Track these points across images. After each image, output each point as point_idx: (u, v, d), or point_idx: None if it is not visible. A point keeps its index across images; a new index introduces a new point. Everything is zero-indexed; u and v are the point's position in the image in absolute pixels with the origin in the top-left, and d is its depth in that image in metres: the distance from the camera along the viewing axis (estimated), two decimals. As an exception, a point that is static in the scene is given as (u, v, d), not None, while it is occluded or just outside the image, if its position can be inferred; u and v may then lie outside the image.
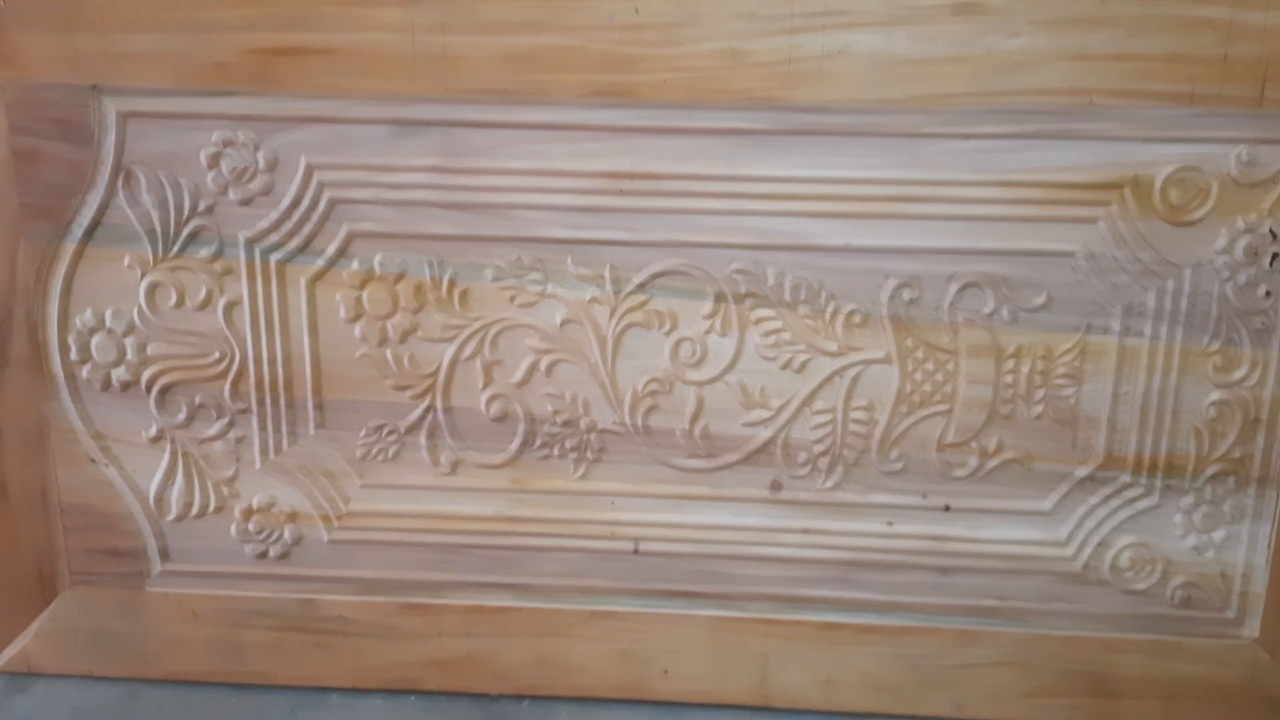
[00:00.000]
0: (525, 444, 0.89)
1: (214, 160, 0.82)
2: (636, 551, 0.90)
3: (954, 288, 0.83)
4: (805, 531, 0.89)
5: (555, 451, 0.89)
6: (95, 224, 0.84)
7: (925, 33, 0.76)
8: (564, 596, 0.92)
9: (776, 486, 0.89)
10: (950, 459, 0.87)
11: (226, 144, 0.82)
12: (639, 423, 0.88)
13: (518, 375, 0.87)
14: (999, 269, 0.82)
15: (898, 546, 0.89)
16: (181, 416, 0.88)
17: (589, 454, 0.89)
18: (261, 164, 0.82)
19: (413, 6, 0.77)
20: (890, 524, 0.89)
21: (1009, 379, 0.85)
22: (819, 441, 0.88)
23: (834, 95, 0.78)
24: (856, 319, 0.84)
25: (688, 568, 0.91)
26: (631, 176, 0.81)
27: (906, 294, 0.83)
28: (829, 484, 0.88)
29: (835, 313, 0.84)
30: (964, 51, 0.76)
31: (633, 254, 0.83)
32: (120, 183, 0.82)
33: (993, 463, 0.87)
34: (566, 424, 0.88)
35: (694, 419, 0.87)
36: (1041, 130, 0.79)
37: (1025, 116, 0.78)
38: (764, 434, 0.87)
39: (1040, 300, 0.83)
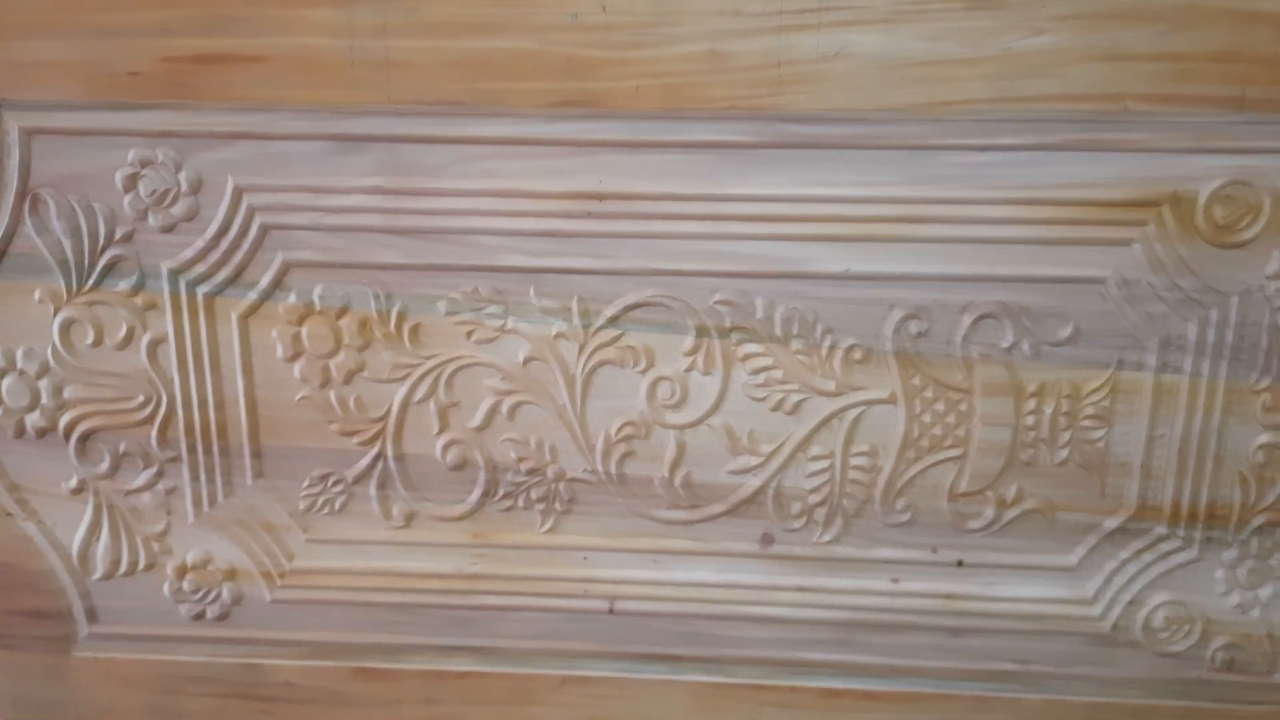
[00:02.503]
0: (486, 494, 0.85)
1: (131, 182, 0.77)
2: (612, 611, 0.87)
3: (968, 319, 0.78)
4: (800, 589, 0.86)
5: (520, 502, 0.85)
6: (0, 255, 0.79)
7: (934, 31, 0.71)
8: (533, 660, 0.89)
9: (768, 540, 0.85)
10: (964, 509, 0.83)
11: (144, 164, 0.77)
12: (613, 471, 0.84)
13: (477, 419, 0.83)
14: (1019, 298, 0.78)
15: (904, 605, 0.86)
16: (104, 466, 0.85)
17: (557, 505, 0.85)
18: (184, 186, 0.77)
19: (350, 7, 0.72)
20: (896, 581, 0.85)
21: (1030, 421, 0.80)
22: (815, 491, 0.84)
23: (830, 103, 0.73)
24: (857, 355, 0.80)
25: (669, 629, 0.88)
26: (601, 197, 0.76)
27: (914, 326, 0.79)
28: (826, 537, 0.85)
29: (833, 348, 0.80)
30: (978, 52, 0.71)
31: (603, 284, 0.79)
32: (26, 208, 0.78)
33: (1011, 513, 0.83)
34: (532, 472, 0.84)
35: (674, 466, 0.83)
36: (1068, 141, 0.73)
37: (1049, 125, 0.73)
38: (753, 482, 0.83)
39: (1066, 332, 0.78)
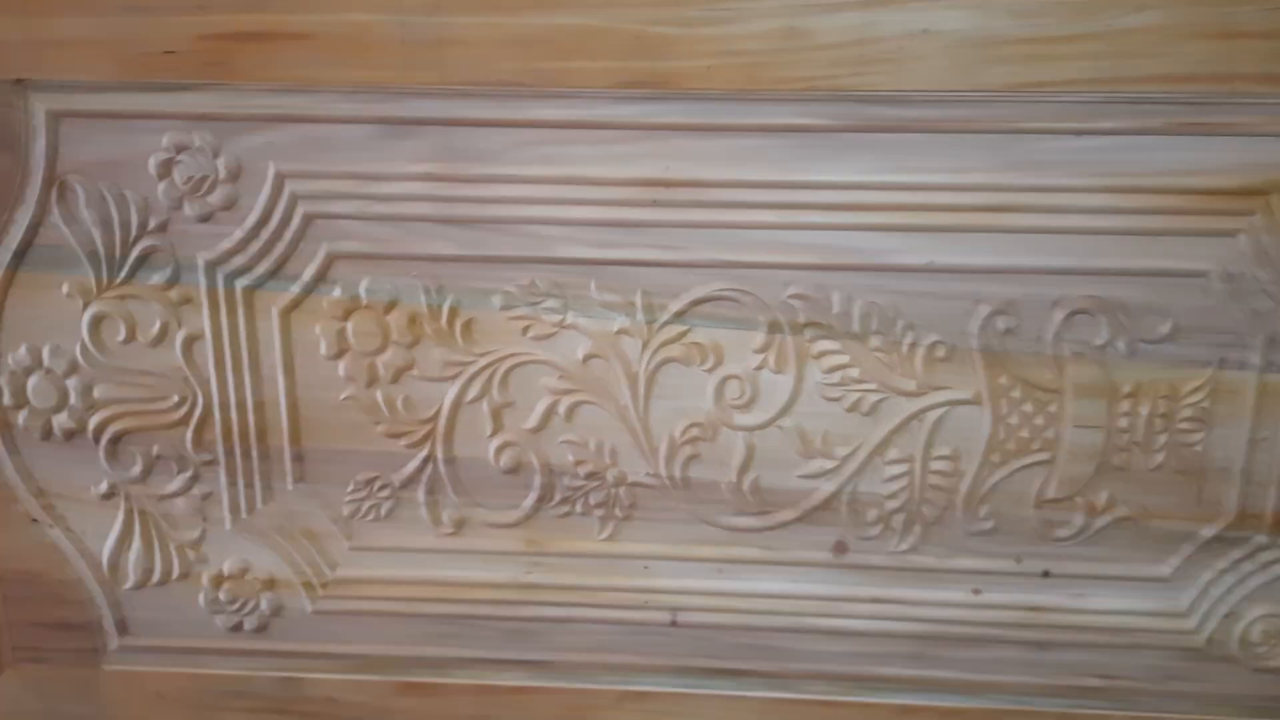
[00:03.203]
0: (542, 500, 0.84)
1: (165, 168, 0.75)
2: (674, 623, 0.86)
3: (1060, 315, 0.76)
4: (875, 601, 0.84)
5: (578, 508, 0.84)
6: (26, 246, 0.78)
7: (1029, 6, 0.68)
8: (590, 675, 0.88)
9: (841, 549, 0.84)
10: (1051, 517, 0.81)
11: (180, 149, 0.75)
12: (677, 475, 0.82)
13: (532, 420, 0.81)
14: (1115, 292, 0.76)
15: (986, 618, 0.84)
16: (136, 470, 0.83)
17: (617, 511, 0.84)
18: (222, 172, 0.75)
19: (402, -20, 0.71)
20: (977, 592, 0.84)
21: (1124, 423, 0.78)
22: (892, 497, 0.82)
23: (916, 83, 0.70)
24: (940, 352, 0.78)
25: (734, 642, 0.86)
26: (668, 184, 0.75)
27: (1001, 322, 0.77)
28: (904, 546, 0.83)
29: (914, 345, 0.78)
30: (1076, 29, 0.68)
31: (669, 276, 0.78)
32: (54, 197, 0.76)
33: (1102, 521, 0.81)
34: (590, 476, 0.83)
35: (742, 470, 0.82)
36: (1171, 124, 0.71)
37: (1151, 108, 0.70)
38: (826, 488, 0.82)
39: (1164, 329, 0.76)
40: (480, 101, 0.73)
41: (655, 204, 0.75)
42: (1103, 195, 0.73)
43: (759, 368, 0.79)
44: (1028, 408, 0.78)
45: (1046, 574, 0.82)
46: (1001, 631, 0.84)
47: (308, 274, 0.78)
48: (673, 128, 0.73)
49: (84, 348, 0.80)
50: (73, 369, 0.80)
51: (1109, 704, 0.85)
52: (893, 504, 0.82)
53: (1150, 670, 0.84)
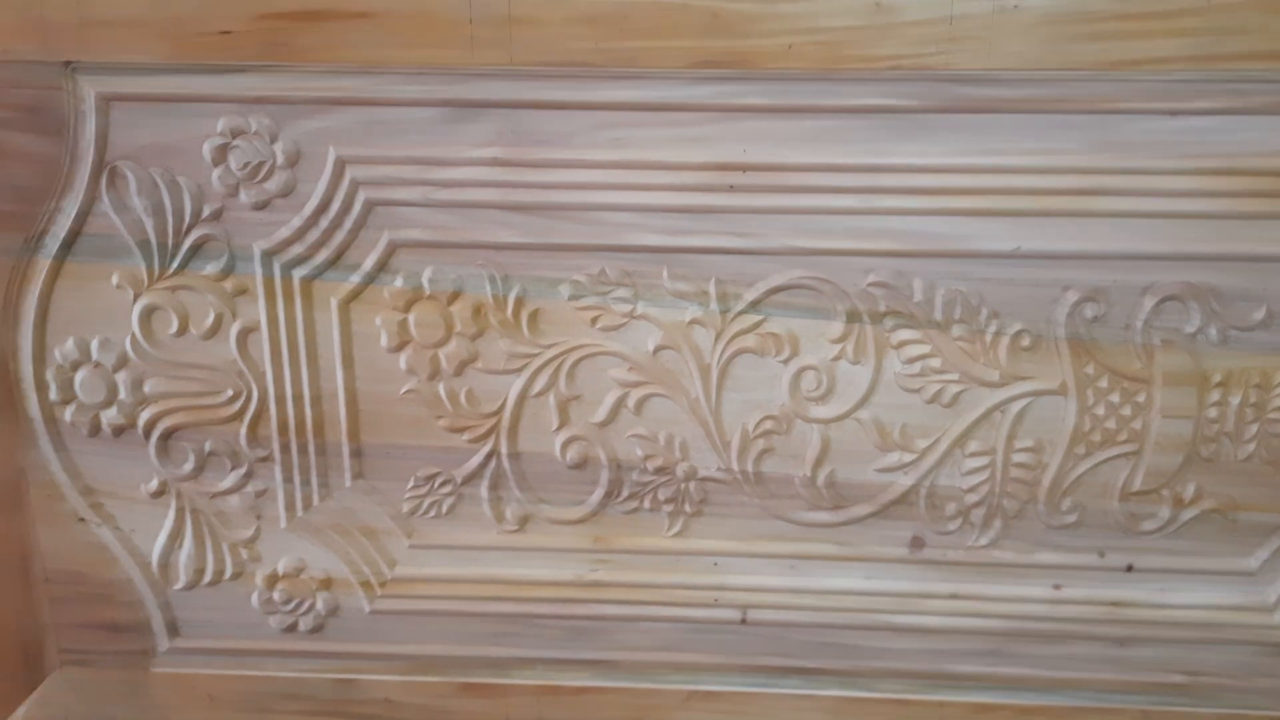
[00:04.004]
0: (609, 495, 0.83)
1: (220, 154, 0.74)
2: (744, 621, 0.84)
3: (1150, 302, 0.75)
4: (953, 597, 0.83)
5: (646, 504, 0.83)
6: (75, 234, 0.76)
7: None
8: (656, 675, 0.87)
9: (918, 544, 0.82)
10: (1136, 510, 0.80)
11: (235, 133, 0.74)
12: (749, 469, 0.81)
13: (600, 413, 0.80)
14: (1208, 278, 0.74)
15: (1066, 614, 0.83)
16: (188, 467, 0.82)
17: (687, 507, 0.82)
18: (280, 158, 0.74)
19: (469, -44, 0.69)
20: (1058, 587, 0.82)
21: (1213, 413, 0.77)
22: (972, 490, 0.80)
23: (1005, 61, 0.69)
24: (1025, 341, 0.76)
25: (807, 640, 0.85)
26: (745, 168, 0.73)
27: (1089, 310, 0.75)
28: (984, 540, 0.82)
29: (998, 334, 0.76)
30: (1173, 4, 0.67)
31: (744, 264, 0.76)
32: (104, 183, 0.75)
33: (1188, 514, 0.80)
34: (660, 471, 0.81)
35: (817, 464, 0.80)
36: (1270, 104, 0.69)
37: (1250, 87, 0.69)
38: (904, 481, 0.80)
39: (1258, 316, 0.74)
40: (549, 83, 0.71)
41: (731, 189, 0.73)
42: (1197, 178, 0.71)
43: (836, 358, 0.78)
44: (1114, 398, 0.77)
45: (1130, 568, 0.81)
46: (1082, 627, 0.83)
47: (368, 263, 0.76)
48: (751, 109, 0.71)
49: (134, 341, 0.78)
50: (123, 363, 0.79)
51: (1191, 701, 0.84)
52: (972, 498, 0.80)
53: (1235, 666, 0.83)
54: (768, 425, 0.79)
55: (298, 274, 0.77)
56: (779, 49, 0.69)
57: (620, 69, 0.70)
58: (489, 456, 0.81)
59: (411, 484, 0.82)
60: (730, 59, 0.69)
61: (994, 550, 0.82)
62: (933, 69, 0.69)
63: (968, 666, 0.84)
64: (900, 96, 0.70)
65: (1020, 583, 0.82)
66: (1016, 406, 0.77)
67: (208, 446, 0.81)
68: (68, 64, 0.71)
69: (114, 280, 0.77)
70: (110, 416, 0.80)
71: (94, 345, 0.78)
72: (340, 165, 0.74)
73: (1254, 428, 0.77)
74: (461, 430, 0.80)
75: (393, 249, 0.76)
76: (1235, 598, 0.81)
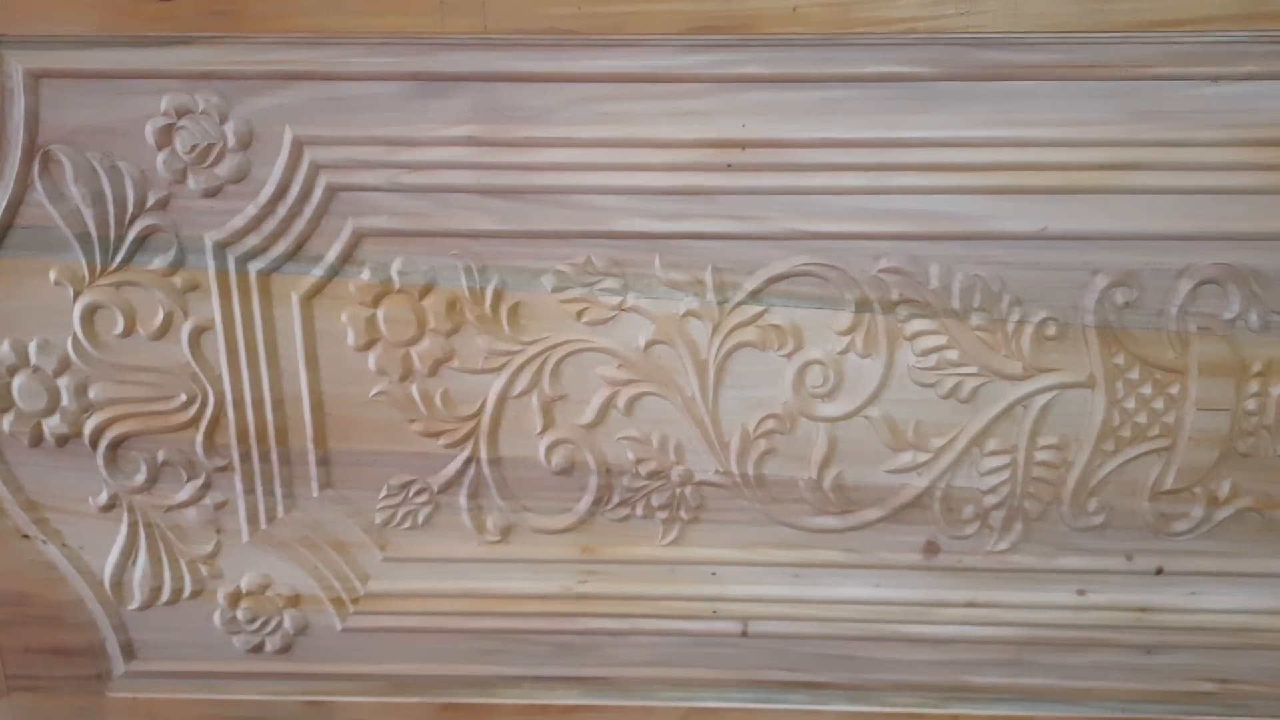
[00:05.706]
0: (598, 502, 0.81)
1: (165, 136, 0.71)
2: (745, 634, 0.83)
3: (1185, 286, 0.73)
4: (969, 605, 0.82)
5: (638, 511, 0.81)
6: (5, 227, 0.74)
7: None
8: (651, 692, 0.86)
9: (932, 550, 0.81)
10: (1167, 510, 0.78)
11: (181, 113, 0.71)
12: (749, 472, 0.79)
13: (588, 414, 0.78)
14: (1248, 259, 0.72)
15: (1091, 620, 0.82)
16: (140, 478, 0.80)
17: (682, 513, 0.81)
18: (231, 139, 0.71)
19: (437, -88, 0.65)
20: (1082, 593, 0.81)
21: (1252, 405, 0.75)
22: (991, 491, 0.78)
23: (1030, 23, 0.66)
24: (1050, 330, 0.74)
25: (812, 652, 0.84)
26: (744, 145, 0.71)
27: (1120, 295, 0.73)
28: (1003, 545, 0.80)
29: (1021, 322, 0.74)
30: None
31: (744, 250, 0.74)
32: (36, 170, 0.72)
33: (1223, 513, 0.78)
34: (653, 475, 0.80)
35: (823, 466, 0.79)
36: None
37: None
38: (917, 483, 0.79)
39: None
40: (528, 53, 0.69)
41: (729, 168, 0.71)
42: (1238, 149, 0.69)
43: (844, 351, 0.76)
44: (1146, 390, 0.75)
45: (1160, 571, 0.80)
46: (1107, 634, 0.82)
47: (332, 254, 0.74)
48: (750, 79, 0.69)
49: (76, 342, 0.76)
50: (64, 366, 0.76)
51: (1223, 710, 0.84)
52: (991, 500, 0.79)
53: (1269, 673, 0.83)
54: (770, 425, 0.77)
55: (254, 267, 0.74)
56: (782, 11, 0.66)
57: (606, 36, 0.68)
58: (468, 462, 0.80)
59: (384, 493, 0.81)
60: (727, 23, 0.67)
61: (1014, 555, 0.81)
62: (951, 31, 0.66)
63: (985, 678, 0.84)
64: (915, 63, 0.68)
65: (1042, 589, 0.81)
66: (1040, 401, 0.76)
67: (161, 456, 0.79)
68: (-9, 37, 0.68)
69: (51, 277, 0.74)
70: (53, 425, 0.77)
71: (32, 348, 0.76)
72: (298, 146, 0.71)
73: (1295, 421, 0.75)
74: (437, 434, 0.79)
75: (358, 238, 0.74)
76: (1270, 601, 0.81)
